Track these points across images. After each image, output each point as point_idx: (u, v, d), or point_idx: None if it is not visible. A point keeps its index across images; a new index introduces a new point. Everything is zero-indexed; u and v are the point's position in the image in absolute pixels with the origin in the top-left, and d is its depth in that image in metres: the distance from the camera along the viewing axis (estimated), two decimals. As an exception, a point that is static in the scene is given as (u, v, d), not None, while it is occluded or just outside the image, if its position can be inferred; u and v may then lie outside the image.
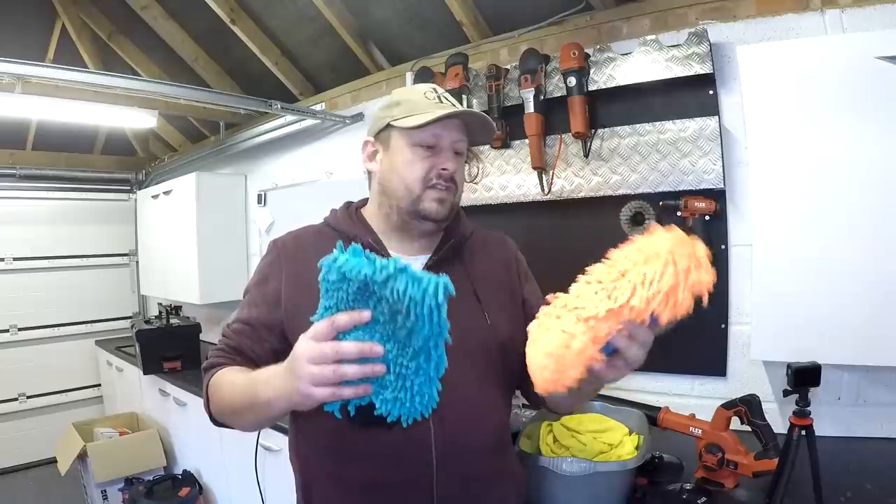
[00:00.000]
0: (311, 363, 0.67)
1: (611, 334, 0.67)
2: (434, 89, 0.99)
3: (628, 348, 0.69)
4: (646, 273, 0.64)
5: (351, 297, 0.68)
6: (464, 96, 1.94)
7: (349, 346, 0.66)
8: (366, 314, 0.67)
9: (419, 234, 1.01)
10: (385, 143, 0.99)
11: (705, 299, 0.63)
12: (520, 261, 1.11)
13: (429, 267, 0.99)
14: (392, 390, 0.71)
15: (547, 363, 0.70)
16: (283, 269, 0.99)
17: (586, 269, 0.73)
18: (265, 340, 0.96)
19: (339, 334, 0.68)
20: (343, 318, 0.67)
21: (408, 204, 0.96)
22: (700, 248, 0.64)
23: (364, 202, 1.08)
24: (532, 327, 0.77)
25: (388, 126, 0.97)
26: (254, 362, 0.95)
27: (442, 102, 0.96)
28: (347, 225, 1.02)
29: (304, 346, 0.69)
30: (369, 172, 1.04)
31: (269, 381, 0.77)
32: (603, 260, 0.72)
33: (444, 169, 0.95)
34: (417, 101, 0.96)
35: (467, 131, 0.99)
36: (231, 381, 0.90)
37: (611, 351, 0.69)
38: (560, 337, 0.69)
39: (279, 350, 0.96)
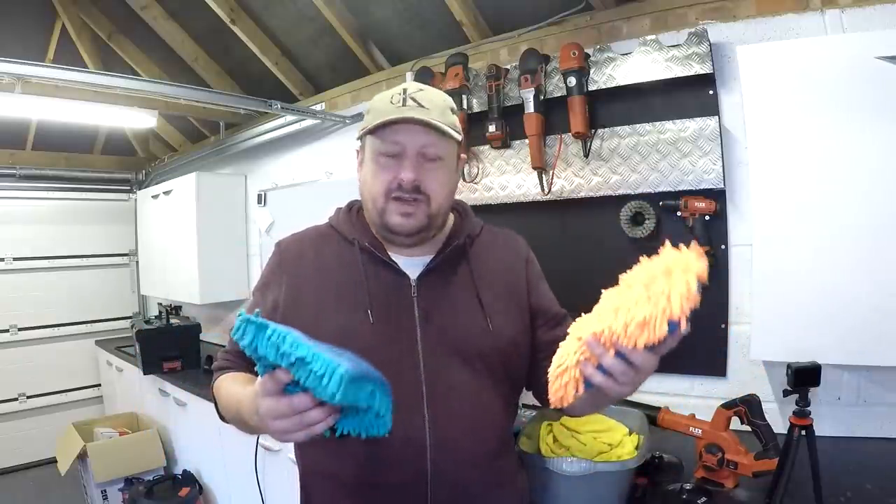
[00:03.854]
0: (274, 420, 0.70)
1: (585, 359, 0.69)
2: (403, 91, 0.92)
3: (592, 375, 0.69)
4: (627, 298, 0.65)
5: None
6: (463, 96, 1.94)
7: (301, 401, 0.69)
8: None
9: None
10: (363, 152, 0.98)
11: (682, 325, 0.62)
12: (531, 262, 1.07)
13: (431, 269, 0.97)
14: (349, 421, 0.74)
15: (551, 379, 0.73)
16: (283, 275, 0.99)
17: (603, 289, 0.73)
18: None
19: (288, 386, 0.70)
20: (282, 375, 0.69)
21: (376, 217, 0.94)
22: (690, 272, 0.62)
23: None
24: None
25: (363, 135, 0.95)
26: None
27: (405, 105, 0.89)
28: (347, 228, 1.01)
29: (263, 405, 0.71)
30: None
31: (253, 412, 0.78)
32: (620, 279, 0.72)
33: (401, 179, 0.90)
34: (382, 107, 0.91)
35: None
36: (227, 391, 0.92)
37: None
38: (560, 355, 0.73)
39: None
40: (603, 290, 0.72)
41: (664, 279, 0.63)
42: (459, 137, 0.95)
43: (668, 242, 0.67)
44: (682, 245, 0.66)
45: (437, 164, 0.93)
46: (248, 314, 0.69)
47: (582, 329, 0.71)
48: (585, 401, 0.75)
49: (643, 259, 0.68)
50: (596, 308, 0.72)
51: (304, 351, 0.65)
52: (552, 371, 0.74)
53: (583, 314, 0.75)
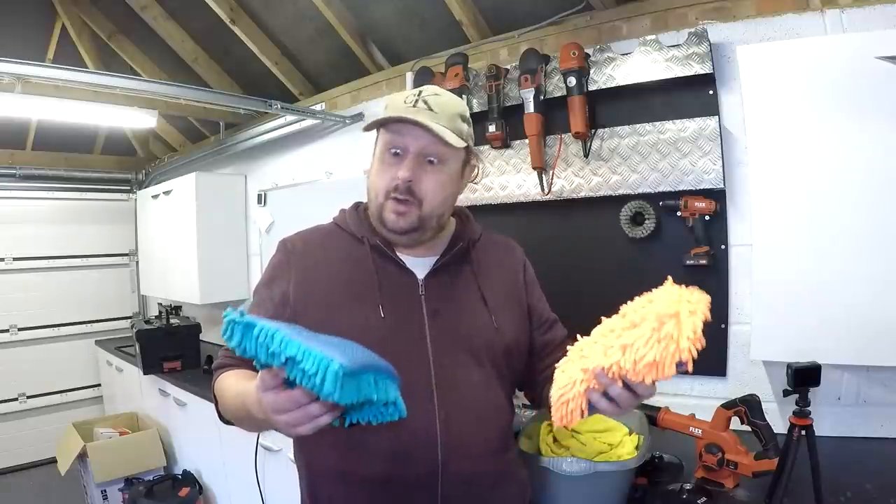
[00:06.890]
0: (278, 414, 0.69)
1: (591, 388, 0.74)
2: (419, 93, 0.94)
3: (598, 402, 0.74)
4: (636, 338, 0.69)
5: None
6: (463, 96, 1.94)
7: (301, 394, 0.68)
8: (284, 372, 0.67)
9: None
10: (375, 149, 1.00)
11: (689, 367, 0.66)
12: (527, 267, 1.11)
13: (436, 269, 0.99)
14: (357, 411, 0.71)
15: (556, 402, 0.77)
16: (292, 269, 0.99)
17: (602, 318, 0.77)
18: None
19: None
20: (279, 370, 0.68)
21: (375, 212, 0.97)
22: (697, 315, 0.66)
23: None
24: (558, 366, 0.80)
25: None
26: None
27: (415, 107, 0.92)
28: (355, 226, 1.03)
29: (265, 400, 0.70)
30: None
31: (258, 407, 0.77)
32: (620, 309, 0.75)
33: (397, 178, 0.92)
34: (395, 106, 0.94)
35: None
36: (229, 387, 0.91)
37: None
38: (566, 381, 0.77)
39: None
40: (604, 317, 0.76)
41: (673, 322, 0.67)
42: (460, 145, 0.95)
43: (670, 278, 0.72)
44: (683, 285, 0.70)
45: (436, 168, 0.95)
46: (233, 314, 0.65)
47: (584, 357, 0.75)
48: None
49: (645, 294, 0.72)
50: (596, 332, 0.76)
51: (294, 349, 0.62)
52: (555, 397, 0.77)
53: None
